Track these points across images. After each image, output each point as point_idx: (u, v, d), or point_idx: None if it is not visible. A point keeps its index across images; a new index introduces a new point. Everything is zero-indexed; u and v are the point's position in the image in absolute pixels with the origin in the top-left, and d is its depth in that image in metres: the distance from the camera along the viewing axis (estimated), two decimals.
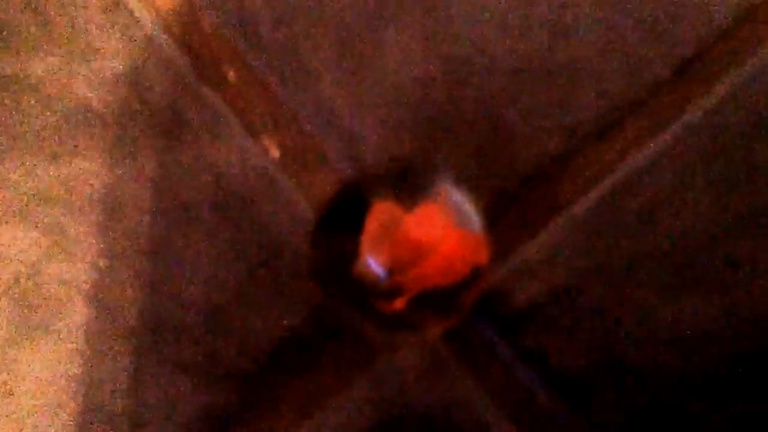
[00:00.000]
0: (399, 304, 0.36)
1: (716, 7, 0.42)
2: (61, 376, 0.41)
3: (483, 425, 0.39)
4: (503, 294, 0.40)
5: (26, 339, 0.41)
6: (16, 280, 0.41)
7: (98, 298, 0.41)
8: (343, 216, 0.36)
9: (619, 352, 0.40)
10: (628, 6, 0.42)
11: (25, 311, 0.41)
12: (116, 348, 0.41)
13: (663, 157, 0.41)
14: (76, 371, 0.41)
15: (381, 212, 0.35)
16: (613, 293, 0.40)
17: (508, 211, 0.41)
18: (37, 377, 0.41)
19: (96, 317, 0.41)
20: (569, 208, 0.41)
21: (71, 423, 0.40)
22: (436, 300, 0.36)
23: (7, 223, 0.42)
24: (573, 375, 0.40)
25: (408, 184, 0.36)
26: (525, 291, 0.40)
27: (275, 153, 0.42)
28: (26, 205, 0.42)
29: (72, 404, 0.40)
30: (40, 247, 0.42)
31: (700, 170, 0.41)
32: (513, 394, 0.39)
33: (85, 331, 0.41)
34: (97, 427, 0.40)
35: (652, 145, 0.41)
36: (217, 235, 0.41)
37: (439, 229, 0.35)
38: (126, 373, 0.40)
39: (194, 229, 0.41)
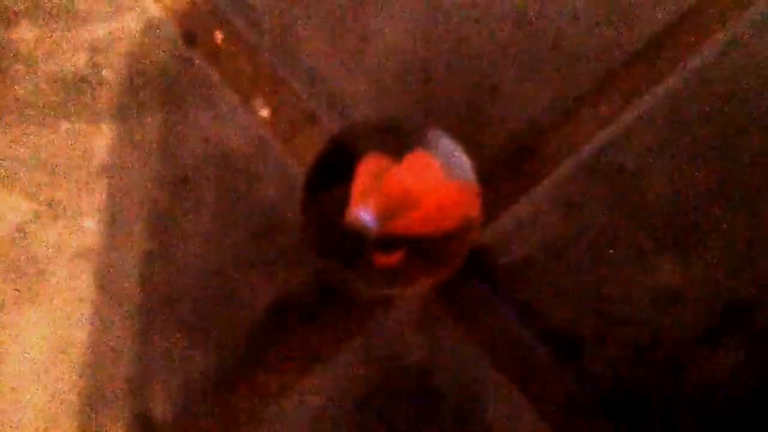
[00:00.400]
0: (392, 257, 0.36)
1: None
2: (55, 337, 0.41)
3: (475, 377, 0.39)
4: (495, 249, 0.40)
5: (16, 303, 0.41)
6: (4, 243, 0.41)
7: (90, 261, 0.41)
8: (333, 169, 0.36)
9: (603, 304, 0.40)
10: None
11: (14, 275, 0.41)
12: (114, 309, 0.41)
13: (640, 124, 0.42)
14: (70, 333, 0.41)
15: (370, 163, 0.35)
16: (596, 251, 0.41)
17: (498, 169, 0.41)
18: (28, 340, 0.41)
19: (90, 281, 0.41)
20: (559, 167, 0.42)
21: (59, 384, 0.40)
22: (427, 252, 0.36)
23: None
24: (561, 327, 0.40)
25: (397, 134, 0.36)
26: (516, 246, 0.41)
27: (265, 114, 0.42)
28: (14, 172, 0.42)
29: (64, 366, 0.40)
30: (28, 211, 0.42)
31: (671, 140, 0.42)
32: (504, 346, 0.40)
33: (77, 293, 0.41)
34: (90, 387, 0.40)
35: (629, 113, 0.42)
36: (211, 198, 0.41)
37: (429, 178, 0.35)
38: (127, 333, 0.40)
39: (188, 194, 0.42)
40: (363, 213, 0.33)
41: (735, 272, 0.40)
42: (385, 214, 0.34)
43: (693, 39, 0.43)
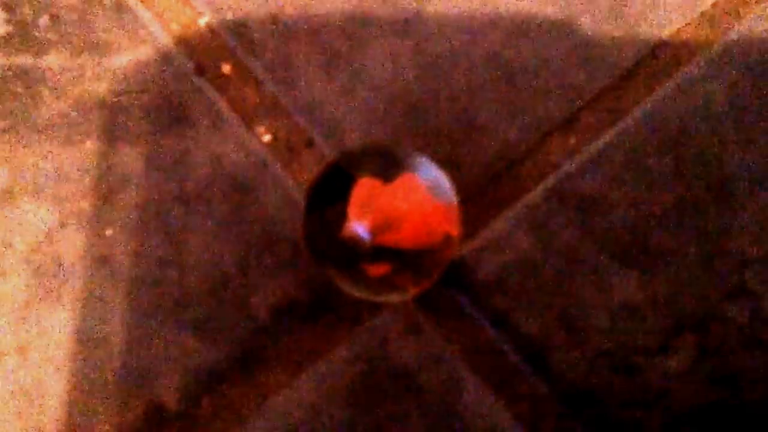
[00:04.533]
0: (381, 268, 0.40)
1: (667, 14, 0.48)
2: (74, 333, 0.45)
3: (454, 380, 0.44)
4: (472, 264, 0.45)
5: (42, 301, 0.45)
6: (33, 248, 0.45)
7: (106, 265, 0.45)
8: (331, 189, 0.40)
9: (569, 316, 0.44)
10: (583, 13, 0.48)
11: (41, 277, 0.45)
12: (131, 310, 0.45)
13: (604, 154, 0.47)
14: (90, 330, 0.44)
15: (364, 185, 0.39)
16: (563, 268, 0.45)
17: (474, 193, 0.46)
18: (51, 336, 0.44)
19: (109, 284, 0.45)
20: (526, 193, 0.46)
21: (80, 376, 0.44)
22: (412, 264, 0.40)
23: (25, 199, 0.46)
24: (531, 335, 0.44)
25: (387, 159, 0.40)
26: (491, 262, 0.45)
27: (267, 139, 0.47)
28: (42, 184, 0.46)
29: (81, 359, 0.44)
30: (55, 220, 0.46)
31: (631, 169, 0.47)
32: (480, 351, 0.44)
33: (97, 295, 0.45)
34: (108, 377, 0.44)
35: (594, 145, 0.47)
36: (217, 213, 0.46)
37: (416, 198, 0.39)
38: (142, 331, 0.44)
39: (194, 208, 0.46)
40: (358, 227, 0.38)
41: (687, 289, 0.45)
42: (378, 230, 0.38)
43: (651, 80, 0.48)
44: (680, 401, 0.43)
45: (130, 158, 0.46)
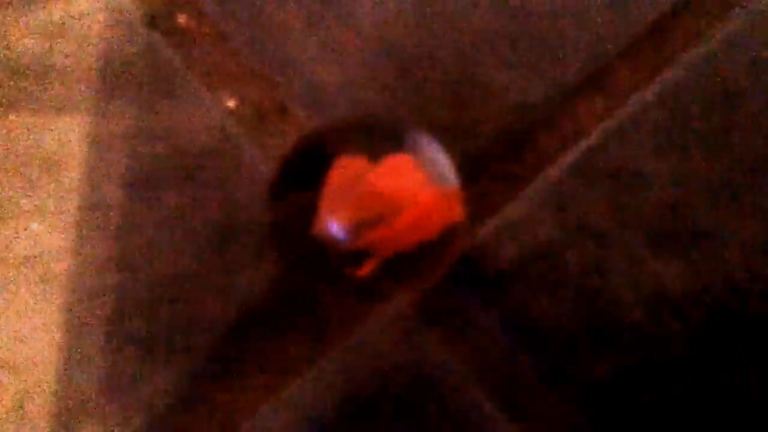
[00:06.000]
0: (366, 269, 0.32)
1: None
2: (2, 352, 0.37)
3: (460, 401, 0.36)
4: (484, 255, 0.37)
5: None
6: None
7: (36, 269, 0.38)
8: (304, 171, 0.32)
9: (600, 312, 0.37)
10: None
11: None
12: (65, 323, 0.37)
13: (639, 118, 0.39)
14: (16, 348, 0.37)
15: (344, 165, 0.31)
16: (592, 253, 0.37)
17: (487, 168, 0.38)
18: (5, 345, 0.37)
19: (38, 291, 0.37)
20: (549, 167, 0.38)
21: (10, 405, 0.37)
22: (408, 263, 0.33)
23: None
24: (552, 343, 0.37)
25: (375, 134, 0.33)
26: (507, 251, 0.37)
27: (231, 105, 0.39)
28: None
29: (13, 384, 0.37)
30: None
31: (672, 137, 0.39)
32: (490, 363, 0.37)
33: (24, 305, 0.37)
34: (41, 409, 0.37)
35: (628, 106, 0.39)
36: (172, 197, 0.38)
37: (410, 183, 0.31)
38: (93, 348, 0.37)
39: (143, 193, 0.38)
40: (333, 224, 0.30)
41: (737, 278, 0.37)
42: (358, 225, 0.31)
43: (694, 29, 0.40)
44: (727, 409, 0.36)
45: (65, 133, 0.38)
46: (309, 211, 0.31)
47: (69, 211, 0.38)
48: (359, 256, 0.32)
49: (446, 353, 0.36)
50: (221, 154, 0.38)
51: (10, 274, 0.37)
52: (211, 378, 0.36)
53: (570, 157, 0.38)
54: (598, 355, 0.37)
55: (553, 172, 0.38)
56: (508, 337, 0.37)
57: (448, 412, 0.36)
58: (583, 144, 0.39)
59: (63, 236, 0.37)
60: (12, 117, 0.38)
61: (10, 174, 0.38)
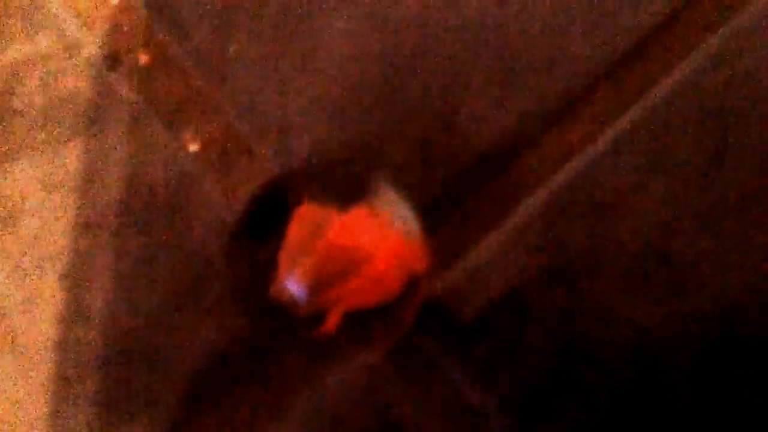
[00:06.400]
0: (327, 326, 0.32)
1: None
2: None
3: None
4: (451, 302, 0.36)
5: None
6: None
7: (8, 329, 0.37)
8: (264, 221, 0.31)
9: (574, 363, 0.36)
10: None
11: None
12: (22, 380, 0.36)
13: (617, 150, 0.38)
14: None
15: (305, 216, 0.31)
16: (565, 299, 0.36)
17: (454, 210, 0.37)
18: None
19: (12, 348, 0.37)
20: (518, 206, 0.38)
21: None
22: (369, 320, 0.32)
23: None
24: (523, 393, 0.36)
25: (337, 182, 0.32)
26: (473, 300, 0.36)
27: (195, 147, 0.38)
28: None
29: None
30: None
31: (654, 166, 0.38)
32: (458, 416, 0.36)
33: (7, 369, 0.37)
34: None
35: (613, 128, 0.38)
36: (133, 243, 0.37)
37: (372, 235, 0.31)
38: (38, 408, 0.36)
39: (107, 238, 0.37)
40: (292, 283, 0.29)
41: (727, 315, 0.36)
42: (318, 284, 0.30)
43: (677, 49, 0.39)
44: None
45: (24, 177, 0.38)
46: (268, 266, 0.31)
47: (28, 260, 0.37)
48: (319, 314, 0.31)
49: (410, 405, 0.35)
50: (184, 198, 0.37)
51: None
52: (190, 417, 0.36)
53: (541, 193, 0.37)
54: (572, 409, 0.36)
55: (524, 210, 0.37)
56: (477, 389, 0.36)
57: None
58: (556, 178, 0.38)
59: (21, 288, 0.37)
60: None
61: None
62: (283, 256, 0.30)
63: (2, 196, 0.37)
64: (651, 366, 0.36)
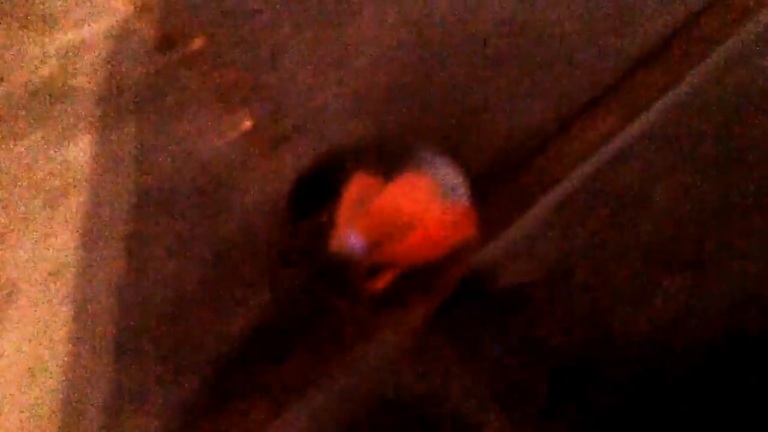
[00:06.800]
0: (380, 283, 0.33)
1: None
2: (27, 359, 0.37)
3: (470, 410, 0.36)
4: (491, 272, 0.38)
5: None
6: None
7: (62, 280, 0.38)
8: (319, 189, 0.33)
9: (610, 333, 0.37)
10: None
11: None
12: (87, 332, 0.38)
13: (649, 135, 0.39)
14: (42, 355, 0.37)
15: (359, 184, 0.32)
16: (597, 274, 0.38)
17: (496, 187, 0.39)
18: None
19: (62, 300, 0.38)
20: (559, 185, 0.39)
21: (38, 407, 0.37)
22: (419, 278, 0.33)
23: None
24: (560, 356, 0.37)
25: (388, 153, 0.34)
26: (515, 270, 0.38)
27: (247, 126, 0.40)
28: None
29: (36, 389, 0.37)
30: None
31: (676, 156, 0.39)
32: (501, 377, 0.37)
33: (49, 314, 0.38)
34: (74, 417, 0.37)
35: (638, 123, 0.40)
36: (187, 215, 0.39)
37: (423, 200, 0.32)
38: (100, 359, 0.37)
39: (156, 212, 0.39)
40: (350, 239, 0.31)
41: (748, 296, 0.37)
42: (374, 240, 0.31)
43: (699, 49, 0.41)
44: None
45: (81, 153, 0.39)
46: (325, 229, 0.32)
47: (88, 228, 0.38)
48: (374, 270, 0.32)
49: (455, 363, 0.37)
50: (234, 175, 0.39)
51: (34, 286, 0.38)
52: (216, 398, 0.37)
53: (574, 177, 0.39)
54: (606, 377, 0.37)
55: (557, 192, 0.39)
56: (515, 357, 0.37)
57: (457, 422, 0.36)
58: (587, 165, 0.39)
59: (81, 253, 0.38)
60: (35, 136, 0.39)
61: (31, 190, 0.39)
62: (341, 219, 0.31)
63: (62, 170, 0.39)
64: (673, 330, 0.37)
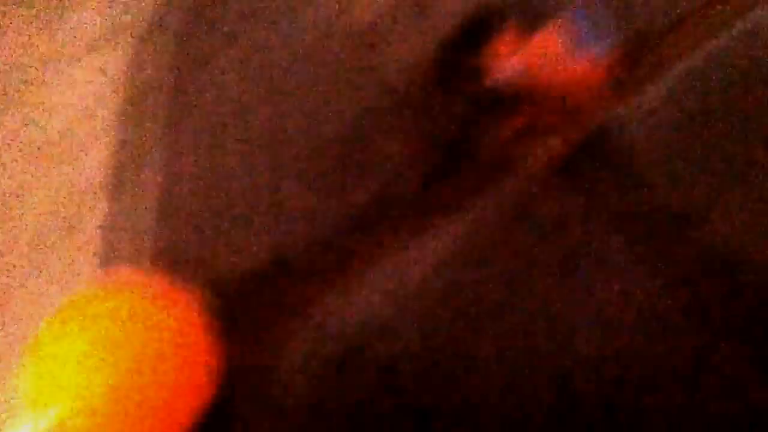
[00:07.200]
0: (523, 116, 0.37)
1: None
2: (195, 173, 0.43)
3: (594, 243, 0.40)
4: (621, 127, 0.41)
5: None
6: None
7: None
8: (474, 32, 0.38)
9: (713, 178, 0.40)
10: None
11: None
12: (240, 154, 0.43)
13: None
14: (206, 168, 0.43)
15: (512, 29, 0.37)
16: (723, 134, 0.41)
17: (633, 54, 0.42)
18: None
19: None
20: (685, 59, 0.42)
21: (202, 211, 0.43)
22: (555, 118, 0.38)
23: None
24: (676, 202, 0.40)
25: (534, 6, 0.38)
26: (642, 126, 0.41)
27: None
28: None
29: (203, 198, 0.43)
30: None
31: None
32: (625, 215, 0.40)
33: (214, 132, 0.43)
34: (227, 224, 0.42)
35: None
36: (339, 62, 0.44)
37: (567, 47, 0.36)
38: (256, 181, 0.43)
39: (307, 66, 0.44)
40: (509, 68, 0.35)
41: None
42: (521, 76, 0.36)
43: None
44: None
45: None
46: (480, 63, 0.37)
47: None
48: (517, 104, 0.37)
49: (585, 199, 0.40)
50: (381, 36, 0.43)
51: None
52: (366, 216, 0.42)
53: (708, 48, 0.42)
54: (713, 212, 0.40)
55: (691, 61, 0.42)
56: (638, 193, 0.40)
57: (582, 249, 0.40)
58: (710, 45, 0.42)
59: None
60: None
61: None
62: (501, 53, 0.36)
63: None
64: None
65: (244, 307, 0.39)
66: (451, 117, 0.40)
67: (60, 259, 0.41)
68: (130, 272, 0.37)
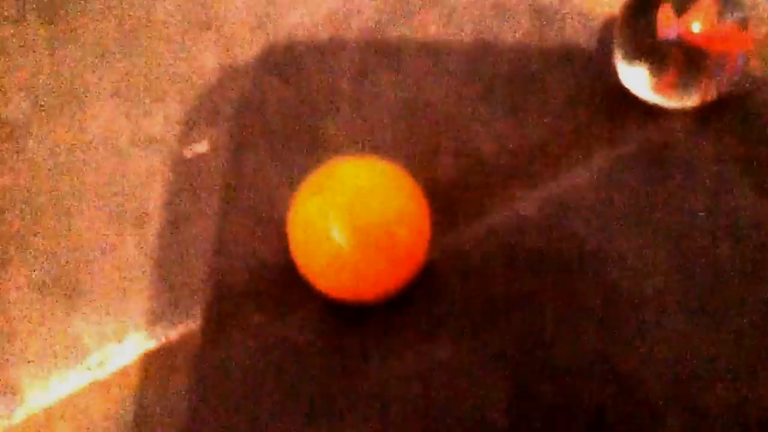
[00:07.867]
0: (688, 62, 0.47)
1: None
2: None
3: (723, 181, 0.49)
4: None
5: None
6: None
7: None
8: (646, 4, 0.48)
9: None
10: None
11: None
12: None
13: None
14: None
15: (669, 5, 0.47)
16: None
17: None
18: None
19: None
20: None
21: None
22: (707, 73, 0.47)
23: None
24: None
25: None
26: None
27: None
28: None
29: None
30: None
31: None
32: (758, 161, 0.49)
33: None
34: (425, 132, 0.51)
35: None
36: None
37: (715, 20, 0.46)
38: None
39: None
40: (670, 26, 0.46)
41: None
42: (683, 36, 0.46)
43: None
44: None
45: None
46: (654, 24, 0.47)
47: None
48: (679, 58, 0.47)
49: (721, 144, 0.50)
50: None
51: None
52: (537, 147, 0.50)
53: None
54: None
55: None
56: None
57: (713, 185, 0.49)
58: None
59: None
60: None
61: None
62: (662, 18, 0.46)
63: None
64: None
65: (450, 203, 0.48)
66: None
67: None
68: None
